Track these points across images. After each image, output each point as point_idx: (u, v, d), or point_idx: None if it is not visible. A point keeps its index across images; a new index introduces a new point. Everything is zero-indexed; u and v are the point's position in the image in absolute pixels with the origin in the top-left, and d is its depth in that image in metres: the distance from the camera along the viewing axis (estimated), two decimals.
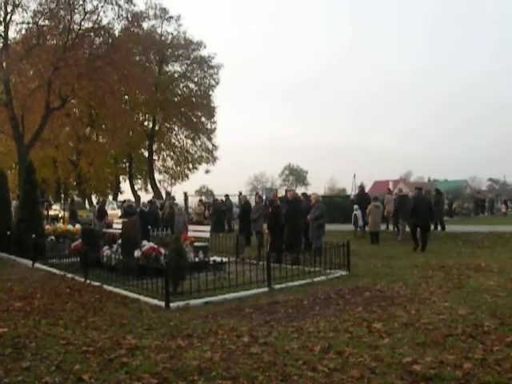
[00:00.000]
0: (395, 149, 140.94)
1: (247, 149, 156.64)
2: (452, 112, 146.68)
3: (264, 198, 21.92)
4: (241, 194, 27.56)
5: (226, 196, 25.37)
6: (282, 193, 31.14)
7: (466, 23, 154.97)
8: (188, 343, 5.37)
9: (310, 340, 5.37)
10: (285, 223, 12.42)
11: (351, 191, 52.85)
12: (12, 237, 14.96)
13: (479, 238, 15.97)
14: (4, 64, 29.12)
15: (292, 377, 4.24)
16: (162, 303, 7.58)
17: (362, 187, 23.85)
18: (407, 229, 16.58)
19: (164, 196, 36.99)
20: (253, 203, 19.25)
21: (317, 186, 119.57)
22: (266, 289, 8.77)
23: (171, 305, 7.52)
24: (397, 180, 71.36)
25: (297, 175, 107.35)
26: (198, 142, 47.79)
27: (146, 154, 47.03)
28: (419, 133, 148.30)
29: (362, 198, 20.71)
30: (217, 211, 22.78)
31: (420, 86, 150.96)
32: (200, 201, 29.73)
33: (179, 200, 27.85)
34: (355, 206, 19.92)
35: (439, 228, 19.48)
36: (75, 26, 30.39)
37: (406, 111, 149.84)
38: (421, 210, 14.52)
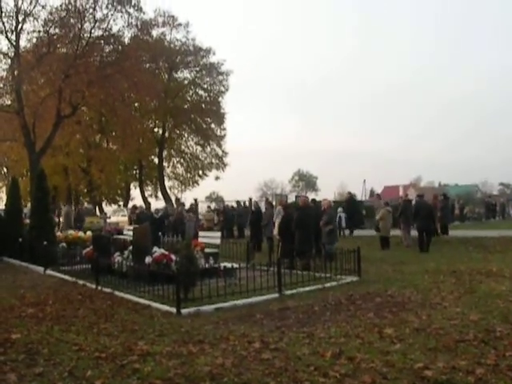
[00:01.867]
0: (401, 154, 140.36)
1: (254, 154, 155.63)
2: (460, 116, 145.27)
3: (274, 203, 21.97)
4: (251, 200, 27.64)
5: (237, 202, 25.42)
6: (291, 199, 31.13)
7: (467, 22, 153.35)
8: (199, 349, 5.39)
9: (321, 346, 5.36)
10: (296, 229, 12.42)
11: (361, 197, 52.82)
12: (24, 244, 15.08)
13: (490, 243, 15.88)
14: (15, 73, 29.42)
15: (303, 382, 4.25)
16: (174, 309, 7.60)
17: (350, 193, 24.20)
18: (412, 234, 16.66)
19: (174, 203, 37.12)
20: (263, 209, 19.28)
21: (327, 192, 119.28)
22: (276, 295, 8.78)
23: (182, 311, 7.54)
24: (407, 185, 71.02)
25: (307, 181, 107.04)
26: (208, 149, 47.88)
27: (156, 160, 47.18)
28: (426, 138, 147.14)
29: (350, 205, 21.36)
30: (227, 217, 22.82)
31: (421, 87, 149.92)
32: (209, 207, 29.83)
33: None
34: (339, 209, 20.18)
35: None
36: (85, 34, 30.60)
37: (411, 115, 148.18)
38: (422, 215, 15.61)
